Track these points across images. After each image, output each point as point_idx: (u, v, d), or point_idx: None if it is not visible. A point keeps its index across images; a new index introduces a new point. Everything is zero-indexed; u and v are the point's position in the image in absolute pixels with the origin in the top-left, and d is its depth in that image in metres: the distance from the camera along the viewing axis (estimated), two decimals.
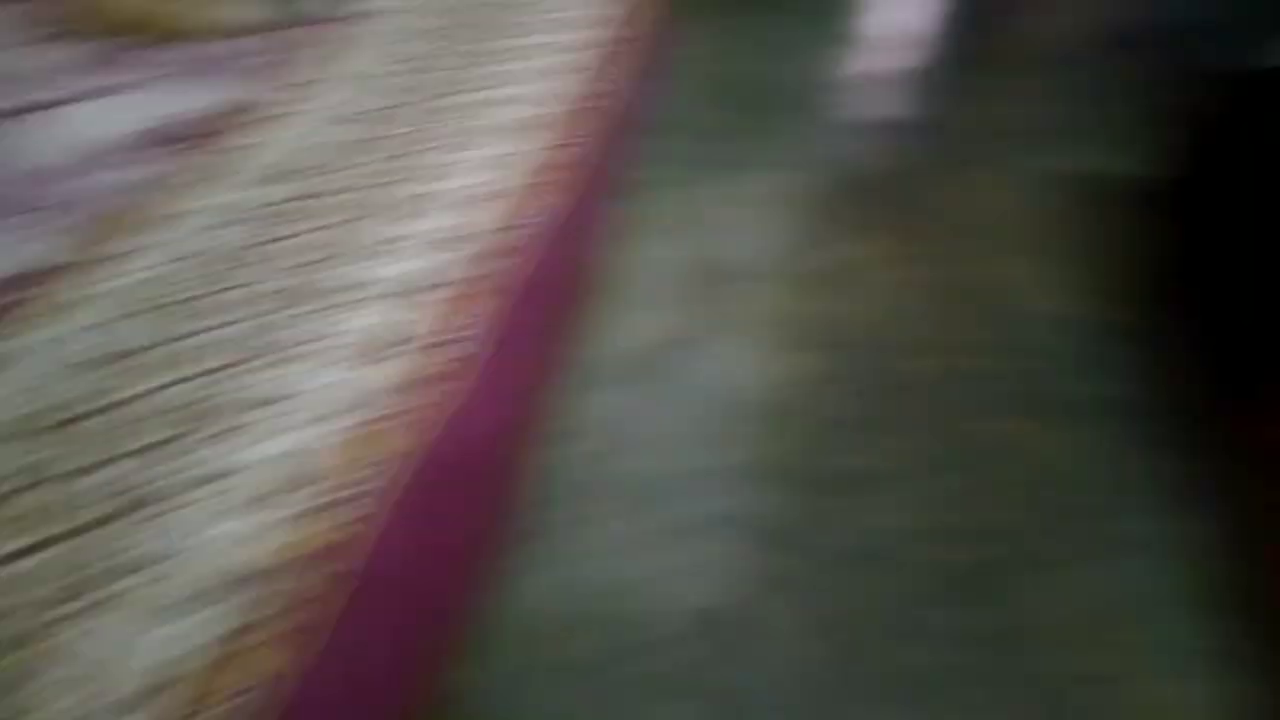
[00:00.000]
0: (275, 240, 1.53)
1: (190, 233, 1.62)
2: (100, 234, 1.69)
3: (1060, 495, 1.71)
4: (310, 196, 1.58)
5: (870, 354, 2.01)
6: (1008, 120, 2.96)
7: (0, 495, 1.14)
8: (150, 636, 0.98)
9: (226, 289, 1.46)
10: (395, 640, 1.10)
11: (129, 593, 1.02)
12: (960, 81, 3.24)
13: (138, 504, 1.15)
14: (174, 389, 1.34)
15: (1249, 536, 1.63)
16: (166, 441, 1.25)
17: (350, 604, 1.05)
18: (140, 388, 1.34)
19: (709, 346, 1.99)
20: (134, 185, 1.94)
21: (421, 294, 1.35)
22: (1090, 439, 1.84)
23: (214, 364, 1.37)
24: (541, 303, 1.18)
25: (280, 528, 1.11)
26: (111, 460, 1.21)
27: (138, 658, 0.95)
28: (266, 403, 1.29)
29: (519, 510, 1.59)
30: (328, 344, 1.36)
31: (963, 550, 1.59)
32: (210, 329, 1.42)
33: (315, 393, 1.29)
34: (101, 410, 1.30)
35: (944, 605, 1.51)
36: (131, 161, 1.95)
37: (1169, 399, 1.92)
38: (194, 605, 1.01)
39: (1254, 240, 1.90)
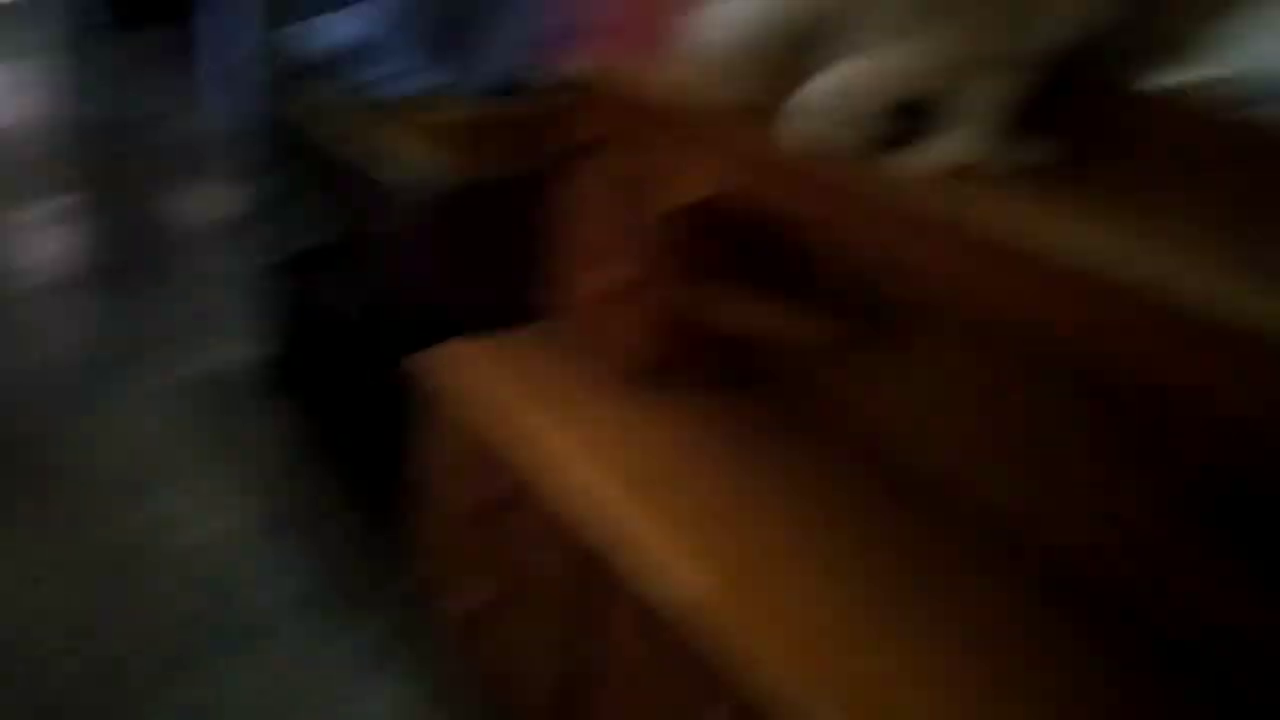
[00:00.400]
0: None
1: None
2: None
3: None
4: None
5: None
6: (135, 337, 2.77)
7: None
8: None
9: None
10: None
11: None
12: (81, 307, 2.98)
13: None
14: None
15: (449, 685, 1.76)
16: None
17: None
18: None
19: None
20: None
21: None
22: (287, 648, 1.78)
23: None
24: None
25: None
26: None
27: None
28: None
29: None
30: None
31: None
32: None
33: None
34: None
35: None
36: None
37: (346, 576, 1.99)
38: None
39: (357, 400, 2.07)
